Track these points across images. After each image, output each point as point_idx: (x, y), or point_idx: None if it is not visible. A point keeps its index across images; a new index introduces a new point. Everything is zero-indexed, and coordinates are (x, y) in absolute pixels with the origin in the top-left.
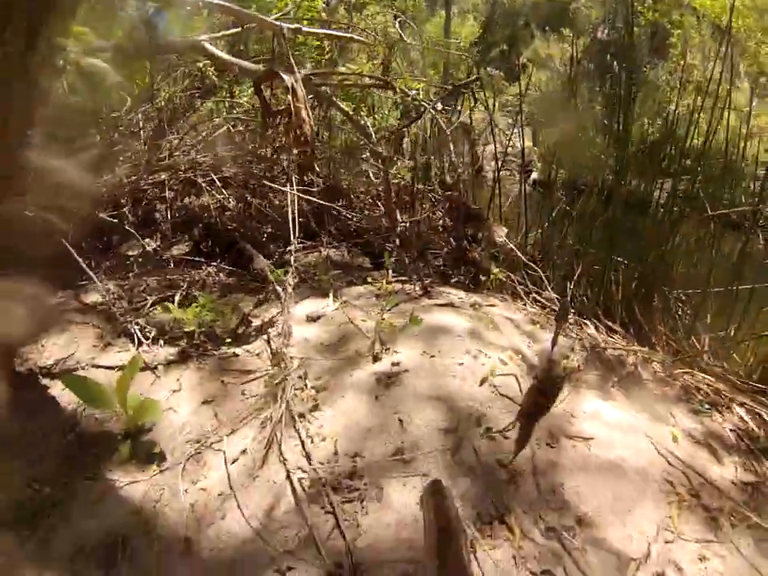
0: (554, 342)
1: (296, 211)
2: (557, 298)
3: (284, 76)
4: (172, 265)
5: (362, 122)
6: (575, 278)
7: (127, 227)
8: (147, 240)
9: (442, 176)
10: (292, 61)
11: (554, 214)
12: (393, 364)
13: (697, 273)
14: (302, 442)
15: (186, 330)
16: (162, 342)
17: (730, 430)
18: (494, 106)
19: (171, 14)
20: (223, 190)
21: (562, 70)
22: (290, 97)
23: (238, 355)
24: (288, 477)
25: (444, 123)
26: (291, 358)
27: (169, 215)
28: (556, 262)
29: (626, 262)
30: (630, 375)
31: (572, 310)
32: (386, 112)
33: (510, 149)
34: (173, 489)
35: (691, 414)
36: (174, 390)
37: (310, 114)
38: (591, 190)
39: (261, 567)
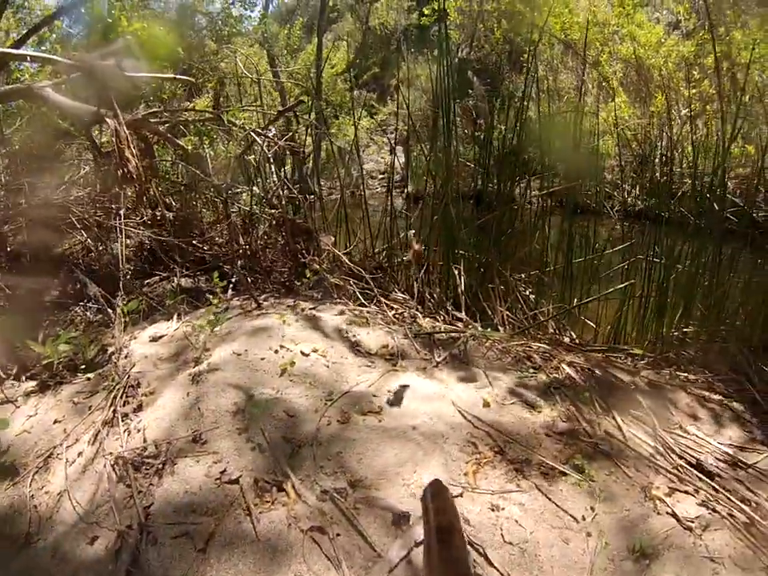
0: None
1: (123, 242)
2: (403, 298)
3: (107, 120)
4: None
5: (202, 155)
6: (421, 274)
7: None
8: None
9: (271, 197)
10: (115, 105)
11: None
12: (207, 364)
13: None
14: (121, 436)
15: (44, 363)
16: (24, 377)
17: (554, 388)
18: (355, 128)
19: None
20: (83, 232)
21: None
22: (113, 139)
23: (90, 379)
24: (104, 465)
25: (266, 147)
26: (125, 371)
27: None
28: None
29: (466, 253)
30: (458, 354)
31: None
32: (227, 143)
33: (384, 166)
34: (22, 497)
35: (516, 379)
36: (30, 416)
37: (134, 153)
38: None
39: (75, 542)
